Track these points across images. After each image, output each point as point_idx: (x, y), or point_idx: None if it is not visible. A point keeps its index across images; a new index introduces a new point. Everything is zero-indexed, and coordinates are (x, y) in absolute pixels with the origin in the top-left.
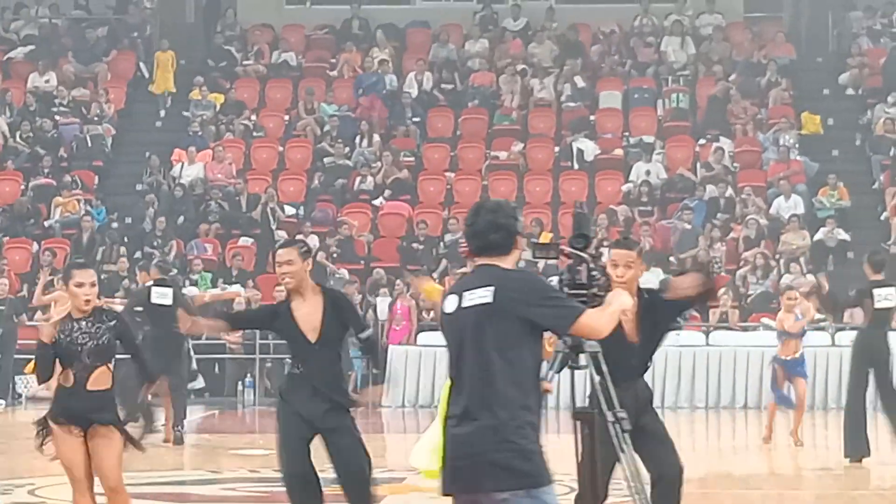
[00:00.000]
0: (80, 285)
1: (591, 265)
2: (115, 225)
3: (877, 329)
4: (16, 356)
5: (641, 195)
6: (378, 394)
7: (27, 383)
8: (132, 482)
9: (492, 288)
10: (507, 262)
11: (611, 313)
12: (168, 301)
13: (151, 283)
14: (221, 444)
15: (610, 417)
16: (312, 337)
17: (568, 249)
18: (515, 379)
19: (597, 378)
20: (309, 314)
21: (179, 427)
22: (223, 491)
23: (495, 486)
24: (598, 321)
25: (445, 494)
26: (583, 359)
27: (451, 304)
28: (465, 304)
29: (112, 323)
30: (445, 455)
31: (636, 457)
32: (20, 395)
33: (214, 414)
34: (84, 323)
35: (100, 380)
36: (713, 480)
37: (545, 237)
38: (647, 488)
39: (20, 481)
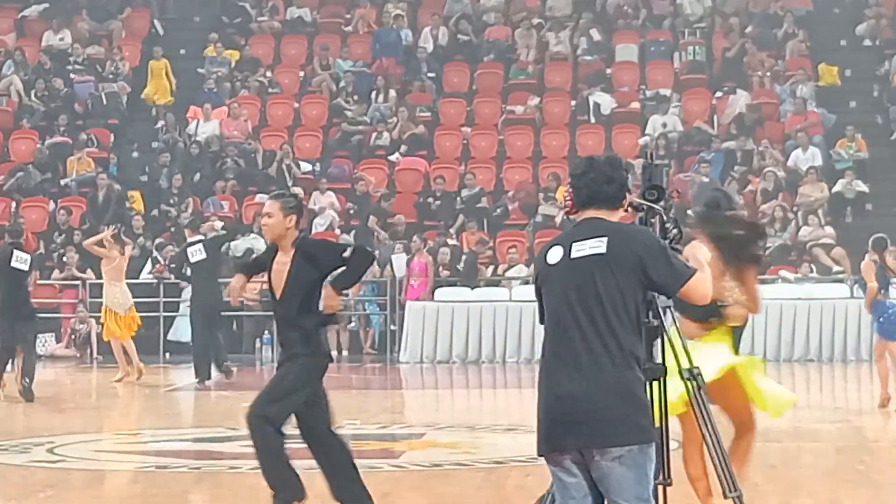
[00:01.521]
0: None
1: (665, 218)
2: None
3: None
4: None
5: (658, 148)
6: (331, 299)
7: (45, 342)
8: (152, 440)
9: (605, 239)
10: (614, 217)
11: (709, 278)
12: (25, 266)
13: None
14: (240, 401)
15: (686, 374)
16: (278, 293)
17: (638, 202)
18: (628, 331)
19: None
20: (279, 270)
21: (27, 380)
22: (242, 448)
23: (614, 441)
24: (705, 286)
25: (548, 453)
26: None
27: (555, 255)
28: (575, 254)
29: None
30: (550, 412)
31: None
32: (39, 355)
33: (233, 371)
34: None
35: None
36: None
37: (561, 192)
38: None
39: (39, 439)
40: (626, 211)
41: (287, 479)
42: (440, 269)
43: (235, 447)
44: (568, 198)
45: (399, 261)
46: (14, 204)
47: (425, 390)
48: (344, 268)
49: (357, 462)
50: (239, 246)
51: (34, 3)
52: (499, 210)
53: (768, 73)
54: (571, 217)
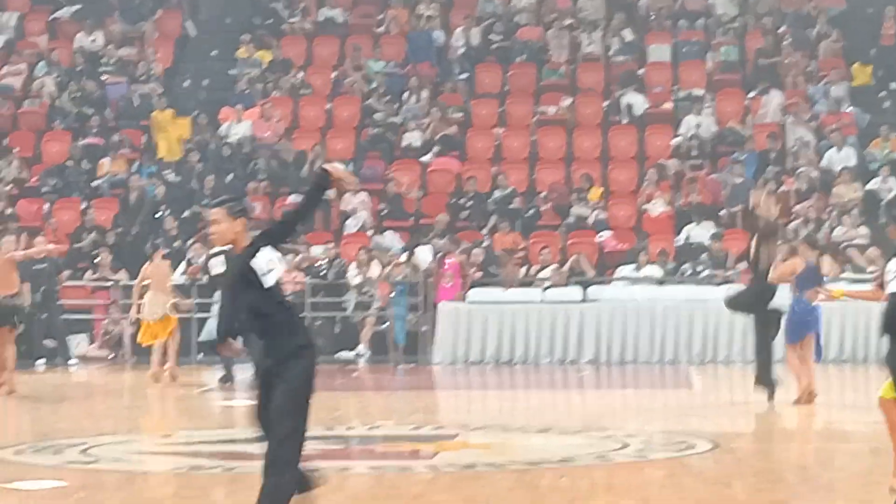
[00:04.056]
0: None
1: None
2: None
3: None
4: (64, 316)
5: (691, 149)
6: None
7: (78, 343)
8: (185, 441)
9: None
10: None
11: None
12: None
13: None
14: None
15: None
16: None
17: None
18: None
19: None
20: None
21: None
22: None
23: None
24: None
25: None
26: None
27: None
28: None
29: None
30: None
31: None
32: (71, 356)
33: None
34: None
35: None
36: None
37: (595, 192)
38: None
39: (72, 441)
40: None
41: None
42: (472, 269)
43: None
44: None
45: (429, 259)
46: (47, 205)
47: (458, 391)
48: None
49: (389, 463)
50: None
51: (66, 4)
52: (531, 211)
53: (801, 74)
54: None
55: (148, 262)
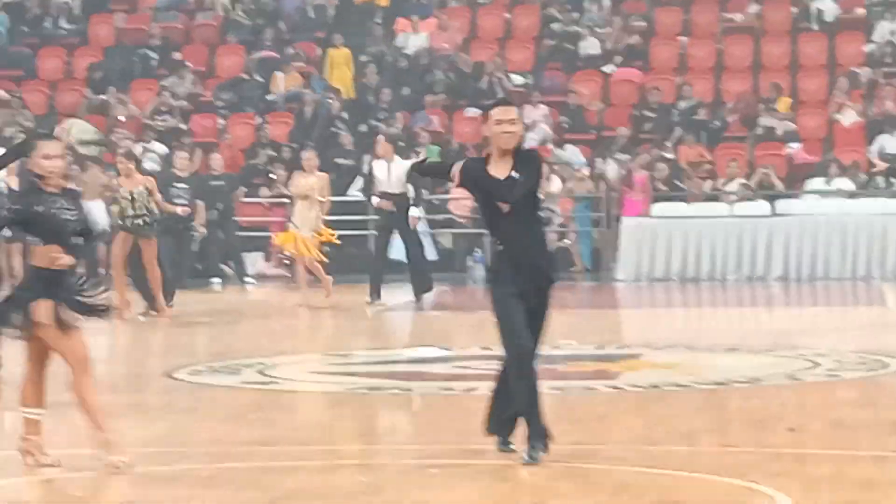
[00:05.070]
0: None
1: None
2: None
3: None
4: (238, 233)
5: (885, 56)
6: None
7: (253, 262)
8: (356, 361)
9: None
10: None
11: None
12: None
13: None
14: (453, 321)
15: None
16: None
17: None
18: None
19: None
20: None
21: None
22: (455, 369)
23: None
24: None
25: None
26: None
27: None
28: None
29: None
30: None
31: None
32: (247, 274)
33: (446, 290)
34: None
35: None
36: None
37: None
38: None
39: (249, 361)
40: None
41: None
42: (657, 183)
43: (448, 368)
44: None
45: (614, 173)
46: (221, 120)
47: (642, 309)
48: None
49: (572, 384)
50: None
51: None
52: (717, 122)
53: None
54: None
55: (300, 172)
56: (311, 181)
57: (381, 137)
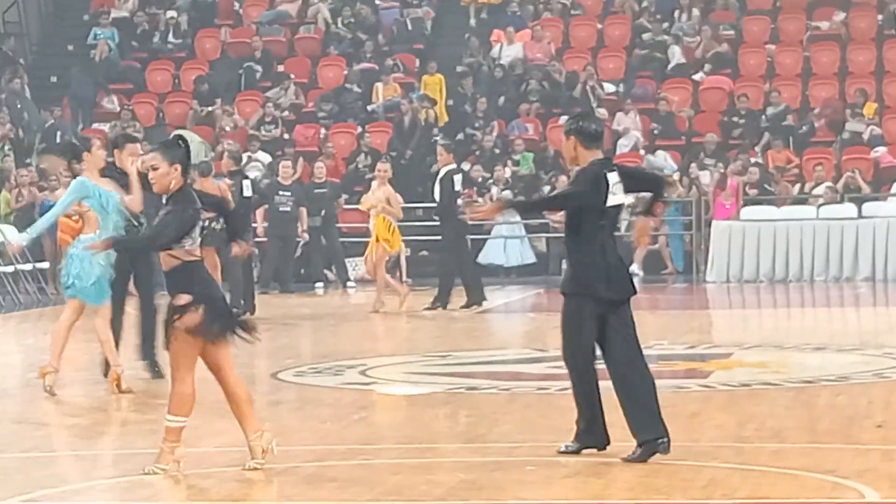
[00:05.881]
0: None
1: None
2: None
3: None
4: (341, 239)
5: None
6: None
7: (354, 266)
8: (454, 362)
9: None
10: None
11: None
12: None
13: None
14: (546, 323)
15: None
16: None
17: None
18: None
19: None
20: None
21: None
22: (549, 369)
23: None
24: None
25: None
26: None
27: None
28: None
29: None
30: None
31: None
32: (349, 278)
33: (540, 292)
34: None
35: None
36: None
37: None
38: None
39: (351, 362)
40: None
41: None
42: (746, 187)
43: (543, 368)
44: None
45: (706, 179)
46: (323, 130)
47: (732, 310)
48: None
49: (665, 383)
50: None
51: None
52: (805, 127)
53: None
54: None
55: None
56: (378, 194)
57: (440, 147)
